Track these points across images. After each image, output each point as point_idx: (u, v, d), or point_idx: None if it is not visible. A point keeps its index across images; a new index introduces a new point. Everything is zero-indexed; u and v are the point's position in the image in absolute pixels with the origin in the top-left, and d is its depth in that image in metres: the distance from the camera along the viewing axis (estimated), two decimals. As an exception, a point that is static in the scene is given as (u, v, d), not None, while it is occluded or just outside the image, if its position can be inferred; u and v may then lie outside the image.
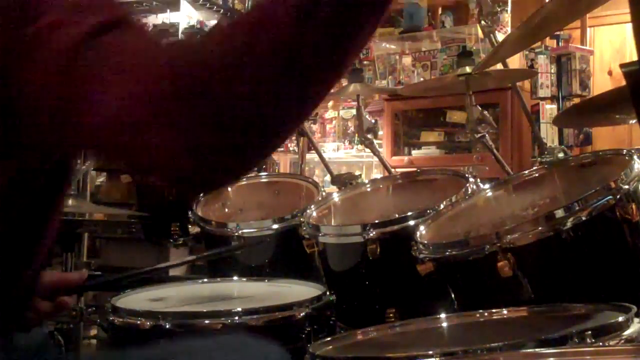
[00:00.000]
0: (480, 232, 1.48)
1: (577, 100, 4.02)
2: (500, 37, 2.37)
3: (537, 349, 0.82)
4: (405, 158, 4.56)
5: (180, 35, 4.95)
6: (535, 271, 1.27)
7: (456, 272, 1.38)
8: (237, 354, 0.99)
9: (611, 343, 0.86)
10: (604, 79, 4.46)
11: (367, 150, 2.63)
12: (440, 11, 4.87)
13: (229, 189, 2.21)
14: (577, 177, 1.56)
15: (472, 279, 1.37)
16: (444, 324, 1.19)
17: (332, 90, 0.83)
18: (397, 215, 1.70)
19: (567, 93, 4.12)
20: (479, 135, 2.05)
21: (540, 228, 1.23)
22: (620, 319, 0.91)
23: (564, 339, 0.86)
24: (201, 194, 2.10)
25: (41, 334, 1.17)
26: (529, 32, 1.44)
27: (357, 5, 0.64)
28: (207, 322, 1.31)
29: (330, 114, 5.21)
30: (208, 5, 5.11)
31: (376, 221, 1.65)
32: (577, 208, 1.22)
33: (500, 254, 1.23)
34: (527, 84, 4.14)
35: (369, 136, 2.47)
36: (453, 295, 1.39)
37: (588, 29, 4.45)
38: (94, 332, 2.78)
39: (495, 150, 2.16)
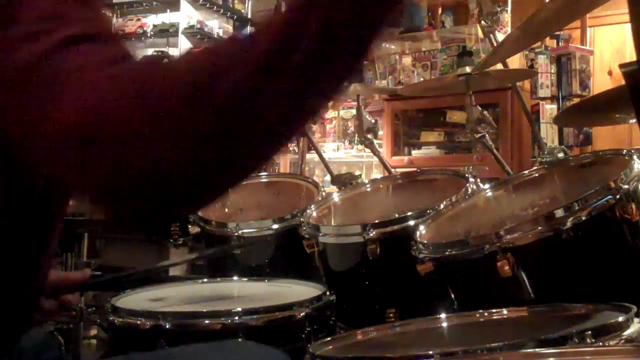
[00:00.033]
0: (480, 232, 1.48)
1: (577, 101, 4.02)
2: (500, 37, 2.37)
3: (537, 349, 0.82)
4: (405, 158, 4.57)
5: (180, 35, 4.96)
6: (535, 271, 1.27)
7: (456, 272, 1.38)
8: (237, 355, 1.00)
9: (611, 343, 0.86)
10: (604, 79, 4.46)
11: (367, 150, 2.63)
12: (440, 11, 4.87)
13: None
14: (577, 177, 1.56)
15: (472, 278, 1.37)
16: (444, 324, 1.19)
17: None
18: (397, 215, 1.70)
19: (567, 93, 4.12)
20: (479, 135, 2.05)
21: (540, 228, 1.23)
22: (620, 319, 0.91)
23: (564, 339, 0.86)
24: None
25: (41, 334, 1.17)
26: (529, 32, 1.44)
27: (325, 70, 0.60)
28: (207, 322, 1.30)
29: (330, 114, 5.21)
30: (208, 5, 5.11)
31: (376, 221, 1.65)
32: (577, 208, 1.22)
33: (500, 253, 1.23)
34: (527, 84, 4.14)
35: (369, 136, 2.47)
36: (453, 295, 1.39)
37: (588, 29, 4.45)
38: (94, 332, 2.78)
39: (495, 150, 2.16)
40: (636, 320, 0.92)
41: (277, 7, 4.39)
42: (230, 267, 1.91)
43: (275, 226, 1.91)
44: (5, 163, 0.70)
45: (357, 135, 4.48)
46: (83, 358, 2.51)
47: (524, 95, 2.58)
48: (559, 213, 1.23)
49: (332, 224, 1.87)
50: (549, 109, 4.16)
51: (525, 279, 1.25)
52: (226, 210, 2.19)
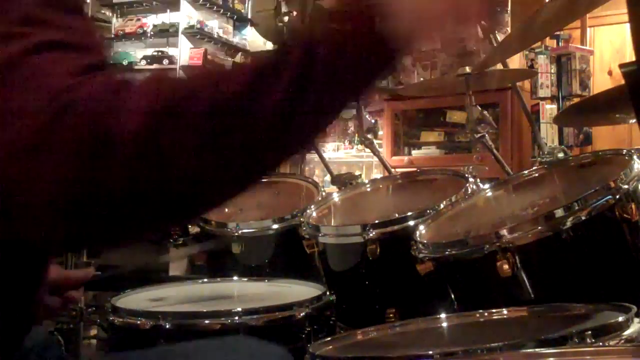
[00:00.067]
0: (480, 232, 1.47)
1: (577, 100, 4.02)
2: (500, 37, 2.37)
3: (537, 349, 0.82)
4: (405, 158, 4.56)
5: (180, 35, 4.95)
6: (535, 271, 1.27)
7: (456, 271, 1.38)
8: (236, 355, 0.99)
9: (611, 343, 0.86)
10: (604, 79, 4.46)
11: (367, 150, 2.62)
12: (440, 11, 4.87)
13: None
14: (577, 177, 1.56)
15: (472, 278, 1.37)
16: (444, 324, 1.19)
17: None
18: (397, 215, 1.70)
19: (567, 93, 4.12)
20: (479, 135, 2.05)
21: (540, 228, 1.23)
22: (620, 319, 0.91)
23: (564, 339, 0.86)
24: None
25: (41, 334, 1.17)
26: (529, 32, 1.44)
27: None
28: (207, 322, 1.31)
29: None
30: (208, 5, 5.11)
31: (376, 221, 1.65)
32: (576, 208, 1.22)
33: (500, 253, 1.23)
34: (527, 84, 4.14)
35: (369, 136, 2.47)
36: (453, 295, 1.39)
37: (588, 29, 4.45)
38: (94, 332, 2.78)
39: (495, 150, 2.16)
40: (636, 320, 0.92)
41: (277, 7, 4.40)
42: (230, 267, 1.91)
43: (275, 226, 1.92)
44: None
45: (357, 135, 4.48)
46: (83, 358, 2.52)
47: (524, 95, 2.58)
48: (559, 213, 1.23)
49: (332, 224, 1.87)
50: (549, 109, 4.15)
51: (525, 279, 1.25)
52: (226, 210, 2.19)
